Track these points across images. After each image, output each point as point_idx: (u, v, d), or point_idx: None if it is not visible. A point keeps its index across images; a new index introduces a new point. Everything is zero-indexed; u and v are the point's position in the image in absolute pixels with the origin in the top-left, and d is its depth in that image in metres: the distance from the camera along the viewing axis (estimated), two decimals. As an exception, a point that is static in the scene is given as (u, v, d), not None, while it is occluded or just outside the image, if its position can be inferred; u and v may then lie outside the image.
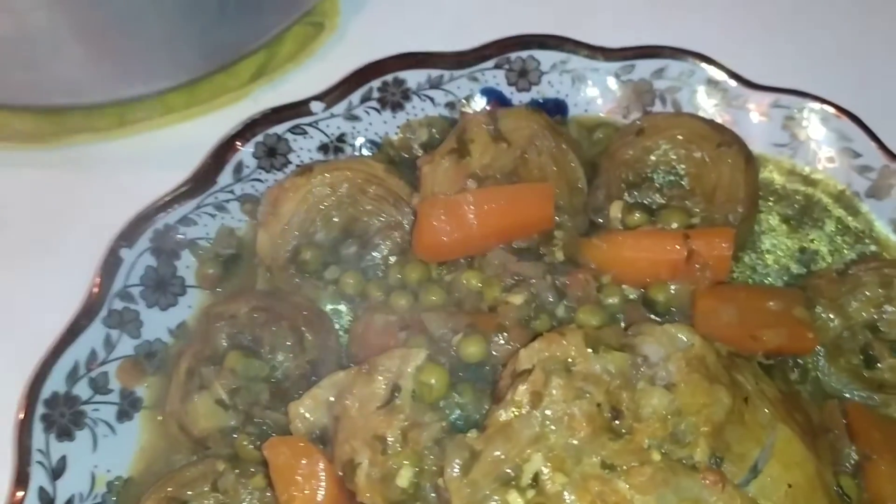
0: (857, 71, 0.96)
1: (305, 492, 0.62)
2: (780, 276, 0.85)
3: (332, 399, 0.66)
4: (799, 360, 0.78)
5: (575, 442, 0.58)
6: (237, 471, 0.68)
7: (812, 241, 0.87)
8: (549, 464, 0.57)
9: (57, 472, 0.70)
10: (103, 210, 0.88)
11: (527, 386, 0.59)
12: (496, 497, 0.56)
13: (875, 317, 0.78)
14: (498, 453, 0.58)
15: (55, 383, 0.72)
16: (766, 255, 0.86)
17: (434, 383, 0.63)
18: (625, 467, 0.57)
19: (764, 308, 0.76)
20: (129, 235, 0.79)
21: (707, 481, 0.58)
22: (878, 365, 0.77)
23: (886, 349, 0.78)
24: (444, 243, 0.77)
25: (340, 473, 0.63)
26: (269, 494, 0.67)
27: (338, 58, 1.05)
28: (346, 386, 0.65)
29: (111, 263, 0.78)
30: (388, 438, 0.61)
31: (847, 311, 0.78)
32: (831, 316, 0.78)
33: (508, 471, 0.57)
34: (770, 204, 0.89)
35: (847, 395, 0.77)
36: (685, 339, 0.63)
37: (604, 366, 0.61)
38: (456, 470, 0.58)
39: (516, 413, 0.59)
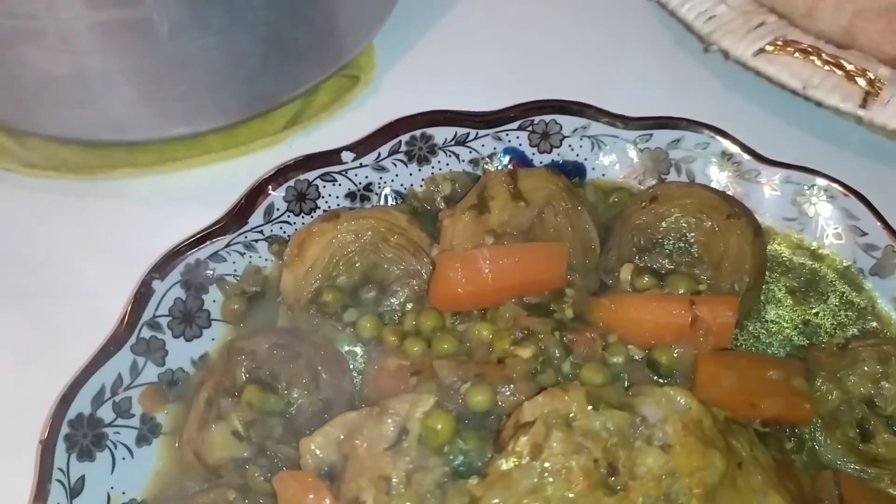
0: (865, 148, 0.99)
1: (311, 526, 0.65)
2: (783, 347, 0.88)
3: (342, 437, 0.69)
4: (796, 430, 0.80)
5: (571, 495, 0.61)
6: (247, 501, 0.71)
7: (816, 314, 0.90)
8: (545, 516, 0.59)
9: (75, 492, 0.73)
10: (139, 240, 0.93)
11: (528, 437, 0.62)
12: (494, 544, 0.59)
13: (872, 392, 0.80)
14: (496, 501, 0.61)
15: (81, 405, 0.76)
16: (771, 325, 0.89)
17: (440, 429, 0.66)
18: (618, 523, 0.60)
19: (764, 377, 0.79)
20: (161, 268, 0.83)
21: (697, 541, 0.60)
22: (874, 440, 0.79)
23: (882, 424, 0.80)
24: (458, 295, 0.80)
25: (346, 510, 0.66)
26: (275, 526, 0.70)
27: (370, 110, 1.10)
28: (357, 426, 0.69)
29: (143, 294, 0.82)
30: (393, 479, 0.64)
31: (845, 384, 0.81)
32: (830, 388, 0.81)
33: (506, 518, 0.60)
34: (777, 276, 0.92)
35: (841, 468, 0.79)
36: (683, 403, 0.66)
37: (603, 423, 0.64)
38: (456, 515, 0.60)
39: (516, 463, 0.62)
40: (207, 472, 0.75)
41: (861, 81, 0.86)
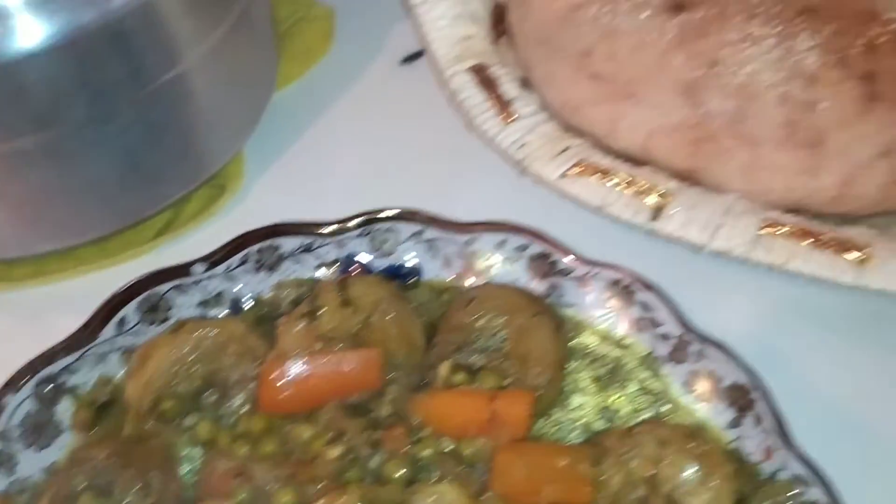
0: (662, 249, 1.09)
1: None
2: (584, 433, 0.97)
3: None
4: (585, 511, 0.89)
5: None
6: None
7: (615, 400, 1.00)
8: None
9: None
10: (8, 352, 1.01)
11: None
12: None
13: (652, 474, 0.89)
14: None
15: (-69, 516, 0.84)
16: (573, 413, 0.99)
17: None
18: None
19: (552, 465, 0.88)
20: (14, 384, 0.92)
21: None
22: (655, 517, 0.88)
23: (662, 502, 0.89)
24: (280, 400, 0.90)
25: None
26: None
27: (239, 217, 1.20)
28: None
29: (-5, 409, 0.90)
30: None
31: (629, 466, 0.90)
32: (616, 470, 0.90)
33: None
34: (584, 365, 1.02)
35: (626, 545, 0.88)
36: (450, 499, 0.75)
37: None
38: None
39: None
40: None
41: (651, 197, 0.98)
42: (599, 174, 0.99)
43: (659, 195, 0.98)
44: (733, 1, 1.03)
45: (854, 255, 0.93)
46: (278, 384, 0.89)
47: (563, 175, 1.00)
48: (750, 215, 0.96)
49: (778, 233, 0.95)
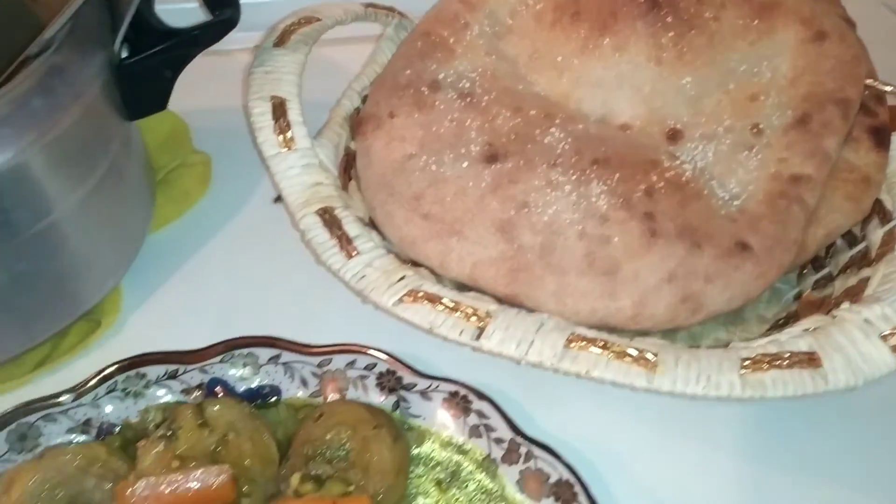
0: (498, 363, 1.24)
1: None
2: (424, 532, 1.08)
3: None
4: None
5: None
6: None
7: (457, 500, 1.11)
8: None
9: None
10: None
11: None
12: None
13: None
14: None
15: None
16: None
17: None
18: None
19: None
20: None
21: None
22: None
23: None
24: (140, 515, 0.98)
25: None
26: None
27: (116, 348, 1.30)
28: None
29: None
30: None
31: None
32: (449, 566, 1.00)
33: None
34: (428, 470, 1.14)
35: None
36: None
37: None
38: None
39: None
40: None
41: (474, 319, 1.13)
42: (428, 301, 1.14)
43: (479, 317, 1.13)
44: (538, 153, 1.24)
45: (645, 363, 1.09)
46: (133, 502, 0.97)
47: (398, 302, 1.14)
48: (558, 331, 1.12)
49: (581, 346, 1.10)
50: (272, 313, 1.33)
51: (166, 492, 0.98)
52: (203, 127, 1.63)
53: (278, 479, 1.09)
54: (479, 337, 1.14)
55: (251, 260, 1.43)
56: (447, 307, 1.15)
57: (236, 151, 1.60)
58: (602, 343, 1.12)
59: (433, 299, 1.16)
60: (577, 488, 1.08)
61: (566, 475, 1.10)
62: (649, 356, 1.10)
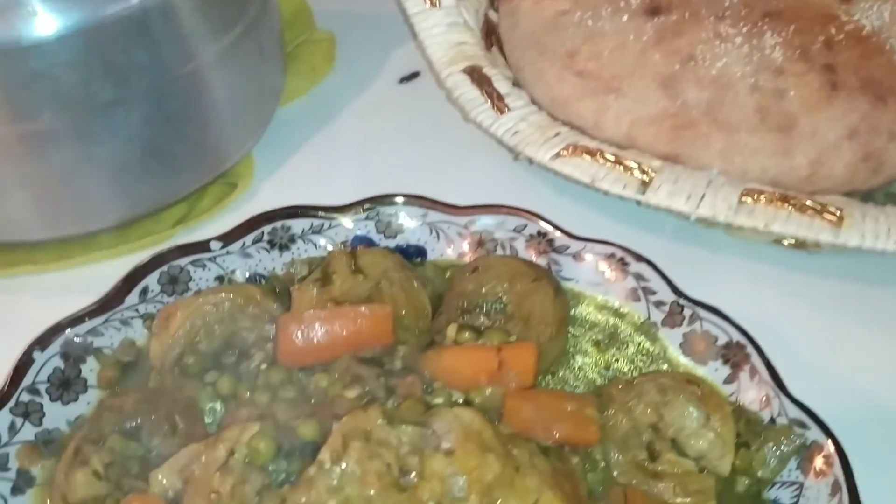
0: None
1: (151, 540, 0.76)
2: (587, 388, 1.02)
3: (184, 466, 0.81)
4: (592, 454, 0.94)
5: (367, 493, 0.73)
6: (103, 531, 0.81)
7: (615, 361, 1.06)
8: (341, 507, 0.72)
9: (-51, 533, 0.83)
10: (35, 329, 1.05)
11: (329, 447, 0.75)
12: (294, 532, 0.70)
13: (656, 419, 0.94)
14: (300, 500, 0.73)
15: (-40, 458, 0.87)
16: (577, 371, 1.04)
17: (262, 449, 0.78)
18: (403, 514, 0.72)
19: (560, 407, 0.93)
20: (42, 341, 0.96)
21: (472, 525, 0.73)
22: (660, 458, 0.93)
23: (666, 446, 0.94)
24: (297, 350, 0.94)
25: (184, 528, 0.77)
26: (127, 552, 0.80)
27: (249, 212, 1.27)
28: (197, 455, 0.81)
29: (23, 363, 0.94)
30: (221, 492, 0.76)
31: (633, 414, 0.95)
32: (620, 418, 0.95)
33: (305, 511, 0.72)
34: (584, 331, 1.08)
35: (631, 484, 0.92)
36: (468, 419, 0.80)
37: (397, 435, 0.77)
38: (267, 513, 0.72)
39: (319, 469, 0.74)
40: (72, 514, 0.85)
41: (638, 173, 1.06)
42: (588, 154, 1.08)
43: (644, 171, 1.06)
44: (705, 5, 1.15)
45: (830, 216, 1.01)
46: (296, 337, 0.94)
47: (555, 156, 1.08)
48: (731, 185, 1.05)
49: (758, 199, 1.03)
50: (411, 177, 1.28)
51: (328, 328, 0.94)
52: (324, 10, 1.59)
53: (432, 331, 1.05)
54: (643, 191, 1.07)
55: (384, 130, 1.39)
56: (609, 161, 1.09)
57: (358, 34, 1.56)
58: (780, 196, 1.04)
59: (593, 153, 1.09)
60: (750, 349, 1.01)
61: (737, 337, 1.03)
62: (833, 209, 1.02)
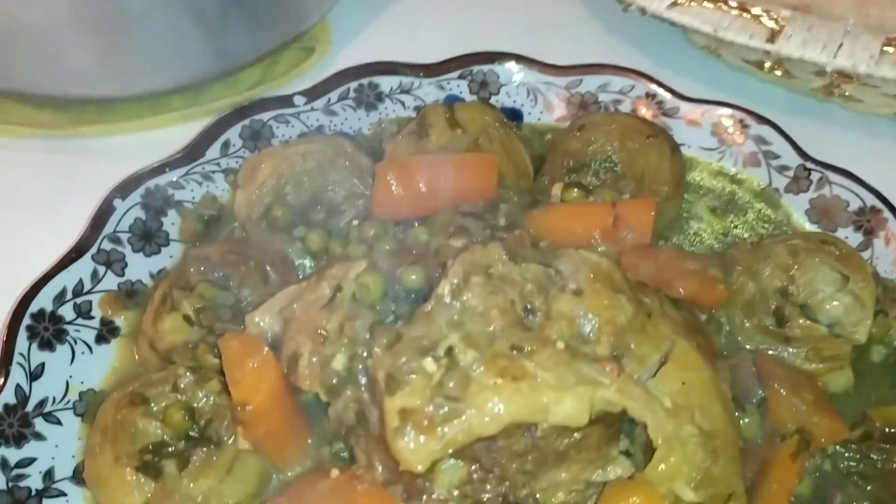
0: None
1: (251, 379, 0.70)
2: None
3: (283, 307, 0.74)
4: (716, 317, 0.85)
5: (489, 329, 0.66)
6: (196, 375, 0.75)
7: (734, 227, 0.97)
8: (462, 343, 0.65)
9: (35, 376, 0.78)
10: (105, 188, 0.99)
11: (448, 282, 0.68)
12: (413, 363, 0.64)
13: (785, 282, 0.86)
14: (418, 333, 0.66)
15: (43, 301, 0.81)
16: (693, 237, 0.96)
17: (372, 286, 0.71)
18: (531, 348, 0.65)
19: (681, 266, 0.85)
20: (122, 189, 0.90)
21: (606, 368, 0.66)
22: (789, 324, 0.84)
23: (796, 311, 0.85)
24: (397, 200, 0.87)
25: (286, 370, 0.71)
26: (223, 397, 0.75)
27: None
28: (297, 295, 0.74)
29: (104, 211, 0.88)
30: (328, 329, 0.69)
31: (760, 277, 0.86)
32: (745, 281, 0.86)
33: (426, 344, 0.65)
34: (698, 197, 0.99)
35: (757, 348, 0.84)
36: (595, 259, 0.72)
37: (520, 272, 0.69)
38: (381, 347, 0.66)
39: (437, 304, 0.67)
40: (161, 362, 0.80)
41: (766, 20, 0.95)
42: (710, 1, 0.97)
43: (773, 19, 0.95)
44: None
45: None
46: (394, 185, 0.86)
47: (673, 4, 0.97)
48: (870, 34, 0.94)
49: (904, 49, 0.92)
50: (506, 38, 1.18)
51: (429, 176, 0.86)
52: None
53: (533, 192, 0.97)
54: (773, 40, 0.96)
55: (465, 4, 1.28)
56: (733, 8, 0.98)
57: None
58: (929, 46, 0.92)
59: (715, 1, 0.98)
60: (887, 214, 0.92)
61: (871, 201, 0.93)
62: None
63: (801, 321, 0.84)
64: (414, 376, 0.63)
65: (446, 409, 0.62)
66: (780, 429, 0.76)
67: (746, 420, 0.75)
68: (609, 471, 0.70)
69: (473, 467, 0.65)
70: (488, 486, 0.66)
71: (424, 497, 0.64)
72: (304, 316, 0.72)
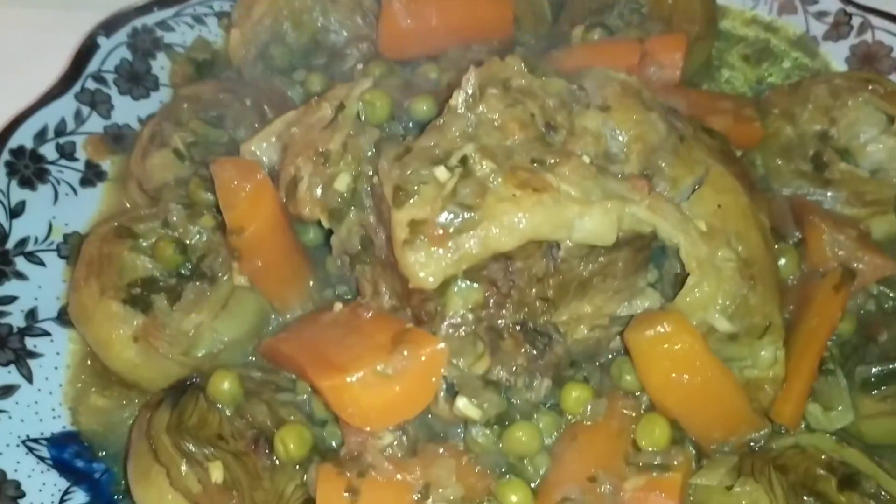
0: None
1: (246, 204, 0.64)
2: (737, 100, 0.87)
3: (281, 133, 0.68)
4: (751, 159, 0.79)
5: (507, 143, 0.60)
6: (188, 211, 0.70)
7: (769, 75, 0.90)
8: (478, 154, 0.58)
9: (15, 213, 0.73)
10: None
11: (463, 91, 0.61)
12: (423, 171, 0.58)
13: (825, 126, 0.79)
14: (430, 143, 0.60)
15: (23, 138, 0.76)
16: (724, 85, 0.89)
17: (378, 105, 0.65)
18: (554, 160, 0.59)
19: (713, 105, 0.78)
20: (107, 26, 0.83)
21: (636, 185, 0.60)
22: (828, 169, 0.78)
23: (836, 156, 0.78)
24: (405, 34, 0.80)
25: (284, 198, 0.65)
26: (217, 234, 0.69)
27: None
28: (296, 119, 0.68)
29: (88, 47, 0.82)
30: (329, 149, 0.63)
31: (799, 120, 0.80)
32: (783, 125, 0.80)
33: (438, 153, 0.59)
34: (730, 45, 0.92)
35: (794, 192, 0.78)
36: (623, 76, 0.65)
37: (542, 86, 0.63)
38: (388, 160, 0.59)
39: (451, 114, 0.61)
40: (150, 202, 0.74)
41: None
42: None
43: None
44: None
45: None
46: (403, 18, 0.79)
47: None
48: None
49: None
50: None
51: (440, 9, 0.79)
52: None
53: (551, 37, 0.89)
54: None
55: None
56: None
57: None
58: None
59: None
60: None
61: (917, 45, 0.86)
62: None
63: (841, 165, 0.78)
64: (425, 186, 0.57)
65: (460, 219, 0.56)
66: (821, 267, 0.70)
67: (783, 260, 0.69)
68: (636, 304, 0.64)
69: (489, 291, 0.59)
70: (505, 312, 0.60)
71: (437, 321, 0.59)
72: (303, 139, 0.65)
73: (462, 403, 0.58)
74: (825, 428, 0.64)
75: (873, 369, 0.65)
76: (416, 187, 0.57)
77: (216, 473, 0.58)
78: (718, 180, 0.64)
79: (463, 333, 0.59)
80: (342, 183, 0.62)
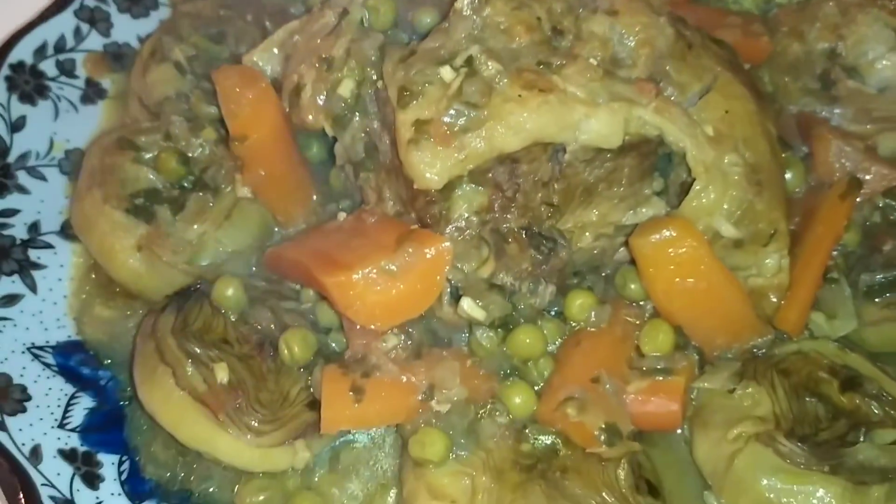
0: None
1: (249, 111, 0.64)
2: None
3: (283, 42, 0.67)
4: (759, 75, 0.78)
5: (513, 46, 0.59)
6: (190, 124, 0.69)
7: (776, -8, 0.88)
8: (484, 55, 0.58)
9: (16, 128, 0.73)
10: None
11: (468, -5, 0.60)
12: (428, 71, 0.57)
13: (834, 45, 0.78)
14: (435, 45, 0.59)
15: (22, 53, 0.75)
16: (732, 4, 0.87)
17: (382, 10, 0.64)
18: (560, 62, 0.58)
19: (721, 20, 0.77)
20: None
21: (643, 88, 0.59)
22: (835, 87, 0.77)
23: (844, 73, 0.78)
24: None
25: (287, 107, 0.65)
26: (220, 147, 0.68)
27: None
28: (298, 28, 0.67)
29: (86, -37, 0.81)
30: (333, 54, 0.62)
31: (806, 38, 0.79)
32: (790, 42, 0.79)
33: (443, 54, 0.58)
34: (737, -33, 0.90)
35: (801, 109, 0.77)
36: (630, -18, 0.64)
37: (547, -10, 0.62)
38: (393, 62, 0.59)
39: (456, 16, 0.60)
40: (152, 118, 0.73)
41: None
42: None
43: None
44: None
45: None
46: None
47: None
48: None
49: None
50: None
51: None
52: None
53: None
54: None
55: None
56: None
57: None
58: None
59: None
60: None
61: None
62: None
63: (849, 83, 0.77)
64: (430, 86, 0.57)
65: (465, 118, 0.56)
66: (827, 179, 0.69)
67: (790, 174, 0.69)
68: (641, 213, 0.64)
69: (494, 195, 0.59)
70: (509, 216, 0.60)
71: (442, 225, 0.59)
72: (306, 47, 0.65)
73: (467, 304, 0.58)
74: (828, 335, 0.65)
75: (877, 276, 0.65)
76: (420, 87, 0.57)
77: (221, 374, 0.58)
78: (726, 87, 0.63)
79: (467, 237, 0.59)
80: (346, 88, 0.61)
